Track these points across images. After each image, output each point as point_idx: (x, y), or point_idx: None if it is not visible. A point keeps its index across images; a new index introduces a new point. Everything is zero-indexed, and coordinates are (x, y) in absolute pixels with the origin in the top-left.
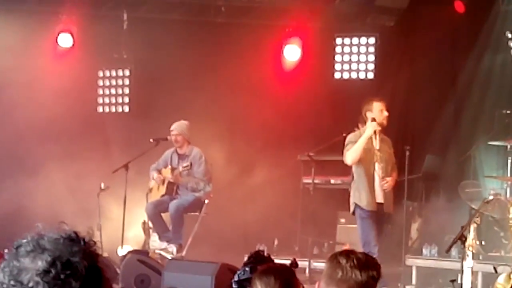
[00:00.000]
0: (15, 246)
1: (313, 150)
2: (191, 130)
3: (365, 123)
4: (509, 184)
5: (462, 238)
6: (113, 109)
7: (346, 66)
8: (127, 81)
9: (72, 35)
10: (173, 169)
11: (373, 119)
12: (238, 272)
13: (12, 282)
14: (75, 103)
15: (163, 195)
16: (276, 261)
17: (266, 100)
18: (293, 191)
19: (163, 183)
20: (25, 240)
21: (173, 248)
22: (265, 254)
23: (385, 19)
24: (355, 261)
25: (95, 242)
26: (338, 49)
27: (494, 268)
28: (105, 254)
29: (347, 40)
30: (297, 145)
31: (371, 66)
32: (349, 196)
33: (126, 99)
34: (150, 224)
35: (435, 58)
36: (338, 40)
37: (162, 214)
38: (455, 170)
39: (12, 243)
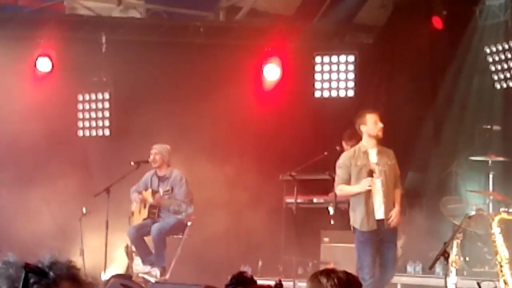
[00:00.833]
0: None
1: (295, 169)
2: (170, 155)
3: (351, 139)
4: (491, 199)
5: (445, 254)
6: (94, 133)
7: (326, 85)
8: (107, 104)
9: (50, 59)
10: (154, 192)
11: (370, 173)
12: None
13: None
14: (55, 127)
15: (145, 219)
16: (261, 282)
17: (247, 120)
18: (275, 211)
19: (145, 206)
20: None
21: (156, 271)
22: (249, 275)
23: (364, 37)
24: (336, 280)
25: (78, 269)
26: (317, 68)
27: (478, 284)
28: (89, 279)
29: (326, 59)
30: (279, 164)
31: (351, 84)
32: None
33: (106, 123)
34: (133, 248)
35: (415, 74)
36: (318, 59)
37: (145, 238)
38: (437, 186)
39: None
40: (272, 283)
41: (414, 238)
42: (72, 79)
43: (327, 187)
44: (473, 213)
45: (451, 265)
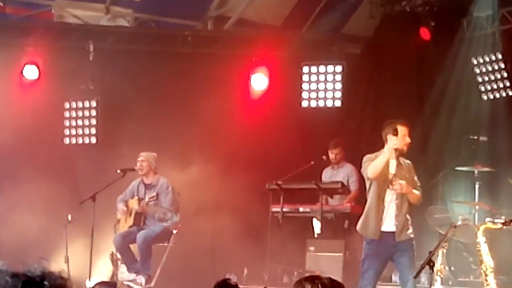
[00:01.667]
0: None
1: (282, 178)
2: (157, 162)
3: (336, 147)
4: (477, 209)
5: (430, 263)
6: (80, 141)
7: (313, 95)
8: (94, 112)
9: (38, 66)
10: (140, 200)
11: (395, 132)
12: None
13: None
14: (42, 135)
15: (130, 226)
16: None
17: (234, 129)
18: (261, 220)
19: (130, 214)
20: None
21: (141, 279)
22: (233, 282)
23: (352, 47)
24: (320, 286)
25: (66, 280)
26: (305, 78)
27: None
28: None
29: (314, 69)
30: (265, 173)
31: (338, 94)
32: None
33: (93, 130)
34: (118, 255)
35: (402, 84)
36: (305, 69)
37: (130, 245)
38: (423, 195)
39: None
40: None
41: None
42: (59, 87)
43: (313, 196)
44: (459, 223)
45: (436, 274)
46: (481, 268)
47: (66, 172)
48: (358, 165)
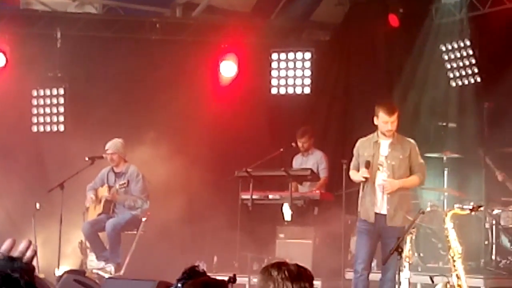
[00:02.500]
0: None
1: (251, 165)
2: (126, 148)
3: (303, 136)
4: (446, 196)
5: (398, 250)
6: (48, 128)
7: (282, 82)
8: (61, 100)
9: (4, 54)
10: (110, 188)
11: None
12: None
13: None
14: (9, 123)
15: (99, 214)
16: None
17: (203, 117)
18: (231, 207)
19: (100, 202)
20: None
21: (111, 267)
22: (200, 269)
23: (321, 34)
24: (286, 273)
25: (33, 266)
26: (274, 65)
27: (431, 279)
28: (42, 275)
29: (283, 56)
30: (234, 160)
31: (307, 81)
32: None
33: (61, 118)
34: (87, 244)
35: (371, 71)
36: (274, 56)
37: (99, 233)
38: None
39: None
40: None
41: None
42: (27, 75)
43: (282, 183)
44: (428, 209)
45: (405, 260)
46: (449, 254)
47: (34, 160)
48: (328, 152)
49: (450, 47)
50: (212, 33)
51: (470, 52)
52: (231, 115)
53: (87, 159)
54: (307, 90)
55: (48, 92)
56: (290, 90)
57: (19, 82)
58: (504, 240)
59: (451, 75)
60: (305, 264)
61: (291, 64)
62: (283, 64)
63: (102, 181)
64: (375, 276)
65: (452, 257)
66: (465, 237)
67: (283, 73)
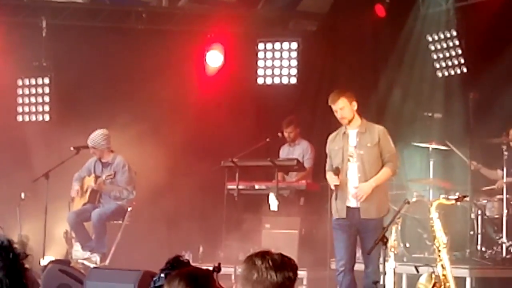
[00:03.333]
0: None
1: (237, 155)
2: (109, 138)
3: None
4: (432, 186)
5: (383, 240)
6: (33, 118)
7: (269, 72)
8: (47, 89)
9: None
10: (96, 177)
11: (336, 171)
12: (154, 278)
13: None
14: None
15: (85, 204)
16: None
17: (189, 106)
18: (217, 198)
19: (86, 191)
20: None
21: (96, 257)
22: (185, 259)
23: (307, 24)
24: (270, 262)
25: (26, 255)
26: (260, 55)
27: (416, 269)
28: (27, 266)
29: (269, 45)
30: (220, 150)
31: (294, 71)
32: None
33: (47, 108)
34: (73, 234)
35: (357, 61)
36: (261, 46)
37: (85, 223)
38: None
39: None
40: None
41: None
42: (12, 64)
43: (269, 173)
44: (413, 199)
45: (390, 250)
46: (434, 244)
47: (19, 150)
48: (314, 142)
49: (436, 38)
50: (198, 23)
51: (457, 42)
52: (217, 105)
53: (72, 148)
54: (293, 80)
55: (33, 81)
56: (277, 80)
57: (4, 72)
58: (490, 230)
59: (437, 66)
60: (290, 254)
61: (277, 54)
62: (269, 54)
63: (89, 170)
64: (360, 266)
65: (437, 247)
66: (450, 227)
67: (269, 63)
